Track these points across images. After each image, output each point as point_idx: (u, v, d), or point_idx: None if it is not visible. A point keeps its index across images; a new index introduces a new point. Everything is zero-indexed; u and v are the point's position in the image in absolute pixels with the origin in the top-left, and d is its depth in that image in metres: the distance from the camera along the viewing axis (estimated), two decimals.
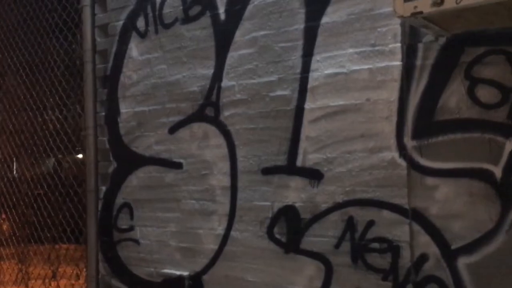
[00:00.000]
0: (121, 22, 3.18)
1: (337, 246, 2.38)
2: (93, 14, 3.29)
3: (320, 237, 2.44)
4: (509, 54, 2.00)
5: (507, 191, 1.98)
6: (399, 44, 2.25)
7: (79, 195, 3.54)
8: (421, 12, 1.76)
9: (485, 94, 2.05)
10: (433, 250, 2.15)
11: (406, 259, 2.20)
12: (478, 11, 1.74)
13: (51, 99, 3.71)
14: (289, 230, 2.54)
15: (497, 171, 2.01)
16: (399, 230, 2.22)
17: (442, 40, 2.13)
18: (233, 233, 2.72)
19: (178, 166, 2.94)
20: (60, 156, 3.80)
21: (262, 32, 2.64)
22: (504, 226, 1.99)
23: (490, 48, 2.04)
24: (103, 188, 3.28)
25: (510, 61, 2.01)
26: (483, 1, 1.60)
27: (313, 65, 2.48)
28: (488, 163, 2.02)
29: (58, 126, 3.72)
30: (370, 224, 2.30)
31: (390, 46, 2.27)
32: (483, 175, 2.03)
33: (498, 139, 2.00)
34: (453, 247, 2.10)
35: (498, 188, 2.00)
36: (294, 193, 2.52)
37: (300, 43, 2.52)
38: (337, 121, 2.40)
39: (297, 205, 2.51)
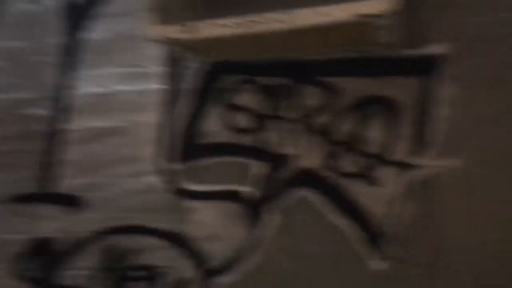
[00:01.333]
0: None
1: (98, 277, 2.22)
2: None
3: (80, 270, 2.24)
4: (258, 83, 2.18)
5: (254, 211, 2.12)
6: (161, 67, 2.25)
7: None
8: (173, 38, 1.78)
9: (239, 119, 2.18)
10: (194, 272, 2.16)
11: (170, 284, 2.17)
12: (223, 43, 1.83)
13: None
14: (44, 265, 2.26)
15: (245, 192, 2.14)
16: (163, 256, 2.18)
17: (202, 67, 2.21)
18: None
19: None
20: None
21: (16, 43, 2.35)
22: (256, 244, 2.12)
23: (243, 77, 2.19)
24: None
25: (259, 89, 2.18)
26: (222, 34, 1.69)
27: (74, 83, 2.30)
28: (238, 185, 2.13)
29: None
30: (133, 251, 2.21)
31: (153, 68, 2.25)
32: (235, 196, 2.14)
33: (246, 162, 2.14)
34: (213, 268, 2.15)
35: (247, 208, 2.13)
36: (50, 223, 2.27)
37: (59, 59, 2.32)
38: (99, 143, 2.26)
39: (52, 236, 2.26)
